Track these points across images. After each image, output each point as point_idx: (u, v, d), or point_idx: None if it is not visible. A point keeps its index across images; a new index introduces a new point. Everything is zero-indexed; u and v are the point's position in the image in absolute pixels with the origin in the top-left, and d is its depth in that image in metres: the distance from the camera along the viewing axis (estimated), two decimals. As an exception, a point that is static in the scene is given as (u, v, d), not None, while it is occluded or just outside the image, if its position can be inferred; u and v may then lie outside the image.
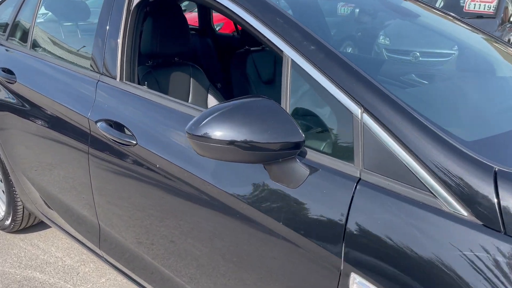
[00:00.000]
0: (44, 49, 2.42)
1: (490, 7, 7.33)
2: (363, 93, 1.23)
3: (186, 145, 1.56)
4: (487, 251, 1.00)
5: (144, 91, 1.79)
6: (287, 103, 1.38)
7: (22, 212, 2.78)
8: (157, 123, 1.70)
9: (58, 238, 2.89)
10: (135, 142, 1.70)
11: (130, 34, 1.90)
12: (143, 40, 2.23)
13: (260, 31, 1.46)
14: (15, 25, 2.63)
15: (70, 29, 2.63)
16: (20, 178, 2.56)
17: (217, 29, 4.08)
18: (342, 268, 1.18)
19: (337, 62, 1.31)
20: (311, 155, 1.30)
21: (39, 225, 2.99)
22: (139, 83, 1.94)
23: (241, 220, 1.42)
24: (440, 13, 2.38)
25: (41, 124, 2.21)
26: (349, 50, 2.34)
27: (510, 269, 0.97)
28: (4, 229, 2.90)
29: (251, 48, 3.04)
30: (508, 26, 7.46)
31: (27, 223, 2.89)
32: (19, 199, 2.72)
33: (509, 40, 7.18)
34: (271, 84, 3.05)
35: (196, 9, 6.30)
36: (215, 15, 4.04)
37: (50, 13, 2.66)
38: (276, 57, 3.09)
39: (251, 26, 1.48)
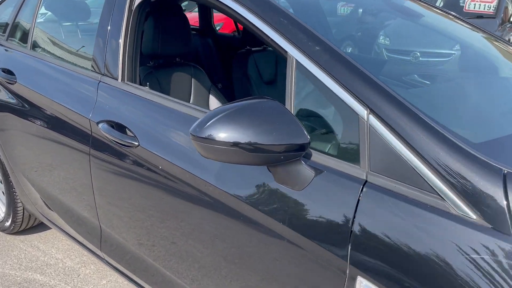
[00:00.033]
0: (45, 50, 2.40)
1: (490, 7, 7.32)
2: (369, 94, 1.22)
3: (189, 146, 1.55)
4: (496, 255, 0.99)
5: (146, 92, 1.78)
6: (292, 104, 1.36)
7: (22, 213, 2.76)
8: (159, 124, 1.68)
9: (59, 240, 2.88)
10: (137, 144, 1.68)
11: (132, 34, 1.88)
12: (145, 41, 2.21)
13: (264, 31, 1.45)
14: (15, 25, 2.61)
15: (70, 29, 2.61)
16: (20, 179, 2.55)
17: (217, 29, 4.07)
18: (348, 271, 1.17)
19: (342, 63, 1.29)
20: (316, 156, 1.29)
21: (39, 227, 2.97)
22: (140, 84, 1.92)
23: (243, 222, 1.40)
24: (441, 12, 2.36)
25: (41, 125, 2.19)
26: (349, 50, 2.32)
27: (520, 272, 0.96)
28: (4, 230, 2.88)
29: (253, 49, 3.02)
30: (508, 26, 7.46)
31: (27, 225, 2.87)
32: (19, 200, 2.70)
33: (509, 40, 7.18)
34: (272, 84, 3.04)
35: (196, 9, 6.29)
36: (215, 15, 4.02)
37: (49, 13, 2.65)
38: (278, 58, 3.08)
39: (255, 26, 1.47)
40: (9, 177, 2.66)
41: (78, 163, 2.01)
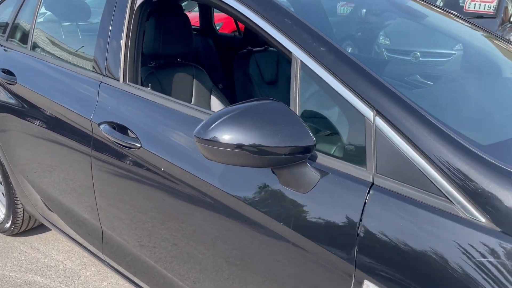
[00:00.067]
0: (45, 50, 2.38)
1: (490, 7, 7.32)
2: (376, 96, 1.20)
3: (191, 147, 1.54)
4: (506, 258, 0.97)
5: (148, 93, 1.76)
6: (297, 106, 1.35)
7: (22, 215, 2.74)
8: (161, 126, 1.67)
9: (59, 241, 2.86)
10: (139, 145, 1.67)
11: (134, 34, 1.87)
12: (146, 41, 2.20)
13: (269, 32, 1.43)
14: (15, 25, 2.59)
15: (71, 29, 2.59)
16: (20, 180, 2.53)
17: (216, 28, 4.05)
18: (354, 275, 1.16)
19: (348, 64, 1.28)
20: (321, 159, 1.27)
21: (39, 228, 2.95)
22: (142, 85, 1.91)
23: (246, 223, 1.39)
24: (442, 11, 2.34)
25: (41, 126, 2.18)
26: (349, 50, 2.31)
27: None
28: (4, 232, 2.87)
29: (254, 49, 3.01)
30: (508, 26, 7.45)
31: (27, 226, 2.85)
32: (19, 202, 2.68)
33: (509, 40, 7.16)
34: (273, 84, 3.02)
35: (195, 9, 6.27)
36: (215, 14, 4.00)
37: (48, 12, 2.62)
38: (279, 58, 3.07)
39: (259, 27, 1.45)
40: (9, 178, 2.64)
41: (79, 164, 1.99)
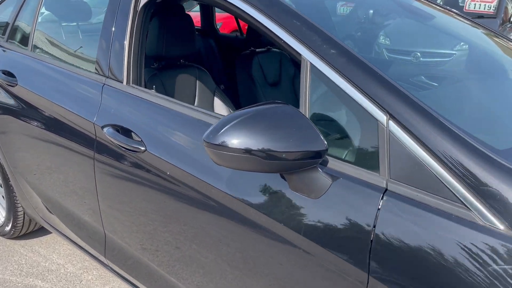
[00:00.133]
0: (46, 51, 2.35)
1: (490, 7, 7.30)
2: (389, 99, 1.18)
3: (198, 151, 1.51)
4: (526, 267, 0.95)
5: (152, 95, 1.73)
6: (306, 109, 1.32)
7: (22, 218, 2.71)
8: (166, 129, 1.64)
9: (60, 244, 2.82)
10: (144, 149, 1.64)
11: (137, 35, 1.84)
12: (148, 42, 2.17)
13: (277, 33, 1.40)
14: (16, 26, 2.55)
15: (72, 30, 2.56)
16: (20, 183, 2.49)
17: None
18: (368, 283, 1.13)
19: (359, 66, 1.25)
20: (333, 163, 1.25)
21: (40, 231, 2.92)
22: (145, 86, 1.88)
23: (251, 227, 1.37)
24: (443, 10, 2.31)
25: (42, 129, 2.14)
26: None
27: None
28: (4, 235, 2.83)
29: (257, 50, 2.98)
30: (508, 26, 7.44)
31: (27, 229, 2.82)
32: (19, 205, 2.65)
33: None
34: (276, 86, 3.00)
35: (195, 9, 6.24)
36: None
37: (46, 12, 2.59)
38: (282, 59, 3.04)
39: (267, 28, 1.43)
40: (9, 181, 2.61)
41: (81, 167, 1.96)
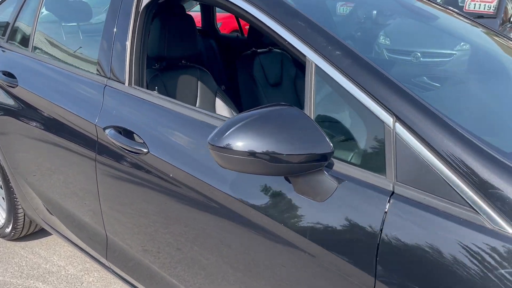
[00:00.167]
0: (47, 52, 2.33)
1: (490, 7, 7.29)
2: (395, 101, 1.16)
3: (201, 153, 1.50)
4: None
5: (155, 97, 1.72)
6: (311, 111, 1.31)
7: (23, 219, 2.69)
8: (169, 130, 1.62)
9: (60, 246, 2.81)
10: (146, 150, 1.62)
11: (139, 36, 1.82)
12: (150, 43, 2.15)
13: (281, 34, 1.39)
14: (16, 26, 2.54)
15: (73, 30, 2.54)
16: (21, 184, 2.48)
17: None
18: (375, 286, 1.12)
19: (365, 68, 1.24)
20: (338, 166, 1.23)
21: (40, 233, 2.90)
22: (147, 87, 1.86)
23: (254, 230, 1.36)
24: (443, 9, 2.30)
25: (43, 130, 2.13)
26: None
27: None
28: (4, 237, 2.81)
29: (258, 50, 2.97)
30: (508, 26, 7.43)
31: (27, 231, 2.80)
32: (20, 206, 2.63)
33: None
34: (278, 86, 2.99)
35: (194, 8, 6.23)
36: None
37: (45, 12, 2.57)
38: (283, 59, 3.03)
39: (271, 29, 1.41)
40: (10, 183, 2.59)
41: (82, 169, 1.95)
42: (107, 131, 1.75)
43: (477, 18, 7.11)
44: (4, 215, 2.79)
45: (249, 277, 1.43)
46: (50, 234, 2.88)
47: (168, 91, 2.25)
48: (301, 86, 3.00)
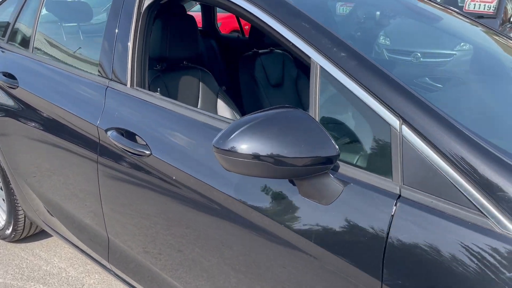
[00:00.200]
0: (47, 53, 2.32)
1: (490, 7, 7.28)
2: (402, 103, 1.15)
3: (203, 154, 1.49)
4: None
5: (157, 98, 1.71)
6: (316, 113, 1.30)
7: (23, 221, 2.68)
8: (172, 132, 1.61)
9: (61, 248, 2.80)
10: (149, 153, 1.61)
11: (141, 37, 1.81)
12: (151, 44, 2.14)
13: (285, 36, 1.38)
14: (17, 27, 2.52)
15: (74, 31, 2.53)
16: (21, 186, 2.47)
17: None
18: (381, 291, 1.11)
19: (371, 70, 1.23)
20: (344, 169, 1.22)
21: (40, 234, 2.89)
22: (148, 89, 1.85)
23: (261, 233, 1.35)
24: (443, 9, 2.29)
25: (44, 131, 2.12)
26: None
27: None
28: (5, 238, 2.80)
29: (260, 51, 2.95)
30: (508, 26, 7.43)
31: (28, 232, 2.79)
32: (20, 208, 2.62)
33: None
34: (279, 87, 2.98)
35: (194, 8, 6.21)
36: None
37: (45, 12, 2.56)
38: (285, 60, 3.02)
39: (275, 31, 1.40)
40: (10, 184, 2.58)
41: (84, 170, 1.94)
42: (109, 133, 1.74)
43: (477, 18, 7.12)
44: (4, 216, 2.78)
45: (251, 279, 1.42)
46: (50, 235, 2.87)
47: (170, 92, 2.24)
48: (302, 86, 2.99)
